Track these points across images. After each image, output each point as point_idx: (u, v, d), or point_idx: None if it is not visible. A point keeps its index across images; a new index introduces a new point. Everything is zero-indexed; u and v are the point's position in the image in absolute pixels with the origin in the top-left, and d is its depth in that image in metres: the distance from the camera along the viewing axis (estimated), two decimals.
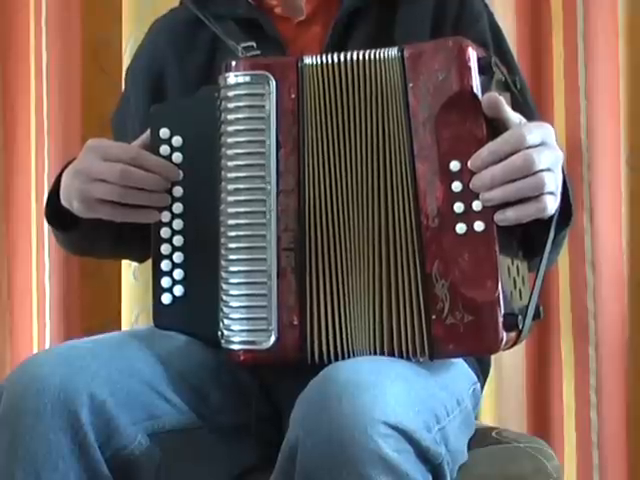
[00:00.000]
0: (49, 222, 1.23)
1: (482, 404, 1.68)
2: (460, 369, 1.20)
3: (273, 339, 1.09)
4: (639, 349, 1.78)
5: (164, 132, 1.15)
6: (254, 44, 1.21)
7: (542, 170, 1.00)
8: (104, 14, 1.93)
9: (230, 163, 1.10)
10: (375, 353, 1.06)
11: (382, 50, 1.07)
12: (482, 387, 1.29)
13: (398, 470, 0.92)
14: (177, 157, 1.14)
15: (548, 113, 1.78)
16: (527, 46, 1.80)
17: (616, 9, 1.77)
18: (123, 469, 1.05)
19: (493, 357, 1.34)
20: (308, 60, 1.09)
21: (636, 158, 1.79)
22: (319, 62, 1.09)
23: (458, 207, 1.03)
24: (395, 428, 0.93)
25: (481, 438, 1.20)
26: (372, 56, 1.07)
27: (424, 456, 0.96)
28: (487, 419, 1.77)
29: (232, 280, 1.10)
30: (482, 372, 1.28)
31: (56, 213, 1.19)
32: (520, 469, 1.17)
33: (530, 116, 1.18)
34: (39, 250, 1.91)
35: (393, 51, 1.06)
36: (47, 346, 1.89)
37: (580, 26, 1.76)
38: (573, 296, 1.78)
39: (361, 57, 1.08)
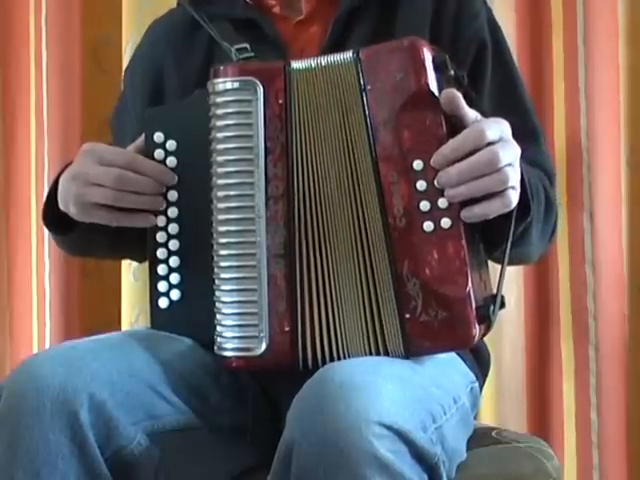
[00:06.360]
0: (46, 226, 1.23)
1: (482, 404, 1.68)
2: (457, 367, 1.20)
3: (264, 346, 1.09)
4: (639, 349, 1.78)
5: (158, 136, 1.15)
6: (247, 46, 1.21)
7: (505, 165, 1.01)
8: (104, 14, 1.93)
9: (220, 169, 1.10)
10: (370, 355, 1.06)
11: (338, 53, 1.08)
12: (481, 387, 1.29)
13: (393, 470, 0.93)
14: (171, 161, 1.14)
15: (548, 114, 1.78)
16: (527, 47, 1.79)
17: (616, 10, 1.77)
18: (122, 469, 1.05)
19: (493, 357, 1.34)
20: (295, 65, 1.09)
21: (636, 158, 1.79)
22: (305, 66, 1.09)
23: (424, 205, 1.03)
24: (390, 428, 0.93)
25: (481, 438, 1.20)
26: (331, 59, 1.08)
27: (419, 456, 0.96)
28: (487, 419, 1.77)
29: (224, 287, 1.10)
30: (481, 372, 1.28)
31: (54, 216, 1.20)
32: (520, 469, 1.17)
33: (516, 107, 1.22)
34: (39, 250, 1.91)
35: (348, 54, 1.07)
36: (47, 346, 1.89)
37: (580, 27, 1.76)
38: (573, 296, 1.78)
39: (332, 60, 1.08)
